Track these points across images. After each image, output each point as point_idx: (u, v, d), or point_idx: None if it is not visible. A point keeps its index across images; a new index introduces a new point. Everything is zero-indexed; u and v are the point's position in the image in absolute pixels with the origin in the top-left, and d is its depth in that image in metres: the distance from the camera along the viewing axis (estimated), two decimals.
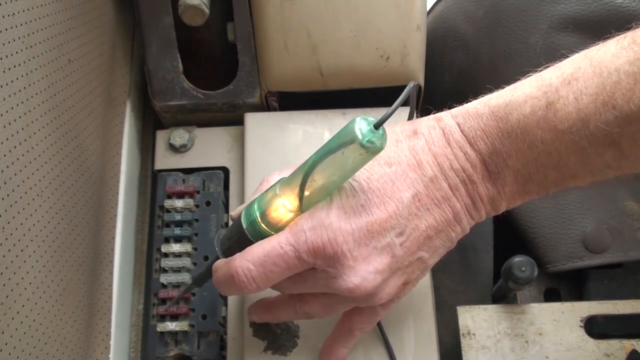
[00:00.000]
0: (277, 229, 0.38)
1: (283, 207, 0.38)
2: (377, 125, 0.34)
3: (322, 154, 0.35)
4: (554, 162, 0.35)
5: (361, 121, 0.34)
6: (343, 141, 0.34)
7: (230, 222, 0.54)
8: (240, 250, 0.39)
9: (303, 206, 0.37)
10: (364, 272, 0.36)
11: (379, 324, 0.47)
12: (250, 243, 0.39)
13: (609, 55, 0.33)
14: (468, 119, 0.37)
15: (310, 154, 0.53)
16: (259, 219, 0.38)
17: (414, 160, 0.37)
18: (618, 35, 0.34)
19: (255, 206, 0.39)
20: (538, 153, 0.35)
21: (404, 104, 0.35)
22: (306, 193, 0.36)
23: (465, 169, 0.37)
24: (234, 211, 0.43)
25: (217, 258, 0.41)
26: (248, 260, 0.37)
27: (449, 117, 0.38)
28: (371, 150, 0.33)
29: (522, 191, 0.38)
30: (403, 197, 0.36)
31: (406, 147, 0.38)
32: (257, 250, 0.37)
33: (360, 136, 0.33)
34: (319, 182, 0.36)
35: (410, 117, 0.39)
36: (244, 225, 0.39)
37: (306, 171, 0.36)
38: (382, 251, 0.36)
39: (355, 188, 0.37)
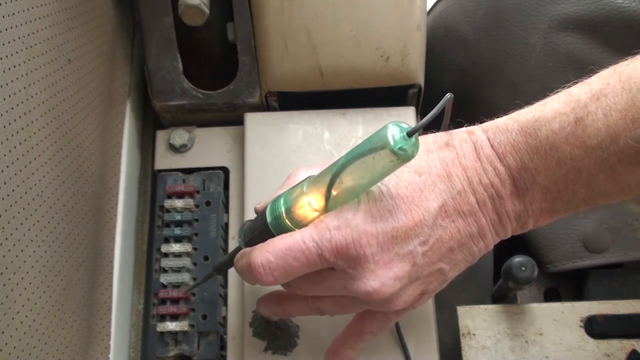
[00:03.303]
0: (301, 226, 0.38)
1: (309, 205, 0.38)
2: (410, 133, 0.33)
3: (353, 156, 0.35)
4: (584, 179, 0.35)
5: (394, 127, 0.33)
6: (374, 146, 0.34)
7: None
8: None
9: (329, 206, 0.37)
10: (383, 277, 0.36)
11: (397, 327, 0.47)
12: (273, 237, 0.39)
13: (638, 71, 0.33)
14: (498, 134, 0.37)
15: (310, 154, 0.53)
16: (284, 215, 0.38)
17: (444, 172, 0.37)
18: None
19: (281, 201, 0.39)
20: (567, 170, 0.35)
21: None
22: (333, 193, 0.36)
23: (493, 184, 0.37)
24: (259, 204, 0.44)
25: (240, 248, 0.42)
26: (269, 251, 0.37)
27: (481, 132, 0.38)
28: (402, 157, 0.33)
29: (550, 209, 0.37)
30: (430, 206, 0.36)
31: (437, 158, 0.38)
32: (279, 243, 0.37)
33: (392, 142, 0.33)
34: (347, 183, 0.36)
35: (444, 129, 0.39)
36: (268, 220, 0.39)
37: (335, 172, 0.36)
38: (404, 258, 0.36)
39: (383, 192, 0.37)
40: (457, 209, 0.37)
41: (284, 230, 0.39)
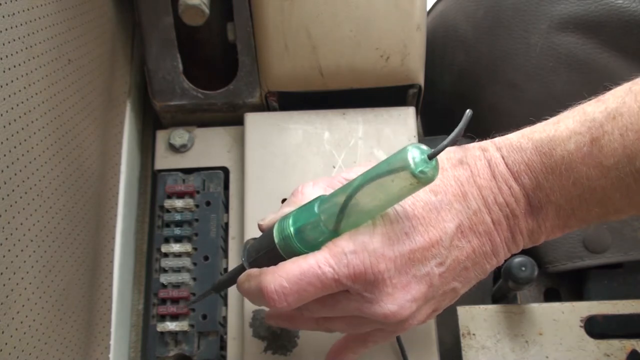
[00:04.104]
0: (312, 247, 0.37)
1: (321, 226, 0.36)
2: (432, 156, 0.32)
3: (369, 177, 0.34)
4: (598, 198, 0.35)
5: (414, 149, 0.33)
6: (393, 167, 0.33)
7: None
8: (268, 265, 0.38)
9: (342, 228, 0.36)
10: (401, 300, 0.36)
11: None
12: (281, 258, 0.37)
13: None
14: (512, 152, 0.36)
15: (310, 154, 0.53)
16: (293, 236, 0.37)
17: (460, 191, 0.37)
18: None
19: (290, 221, 0.37)
20: (582, 189, 0.34)
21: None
22: (347, 215, 0.35)
23: (509, 204, 0.36)
24: (263, 220, 0.42)
25: (242, 267, 0.40)
26: (282, 276, 0.36)
27: (494, 149, 0.37)
28: (422, 180, 0.32)
29: (562, 225, 0.37)
30: (447, 227, 0.36)
31: (452, 177, 0.37)
32: (293, 268, 0.36)
33: (412, 165, 0.32)
34: (362, 205, 0.35)
35: (454, 144, 0.39)
36: (276, 240, 0.37)
37: (350, 193, 0.34)
38: (421, 280, 0.36)
39: (399, 214, 0.36)
40: (472, 229, 0.36)
41: (293, 251, 0.37)
